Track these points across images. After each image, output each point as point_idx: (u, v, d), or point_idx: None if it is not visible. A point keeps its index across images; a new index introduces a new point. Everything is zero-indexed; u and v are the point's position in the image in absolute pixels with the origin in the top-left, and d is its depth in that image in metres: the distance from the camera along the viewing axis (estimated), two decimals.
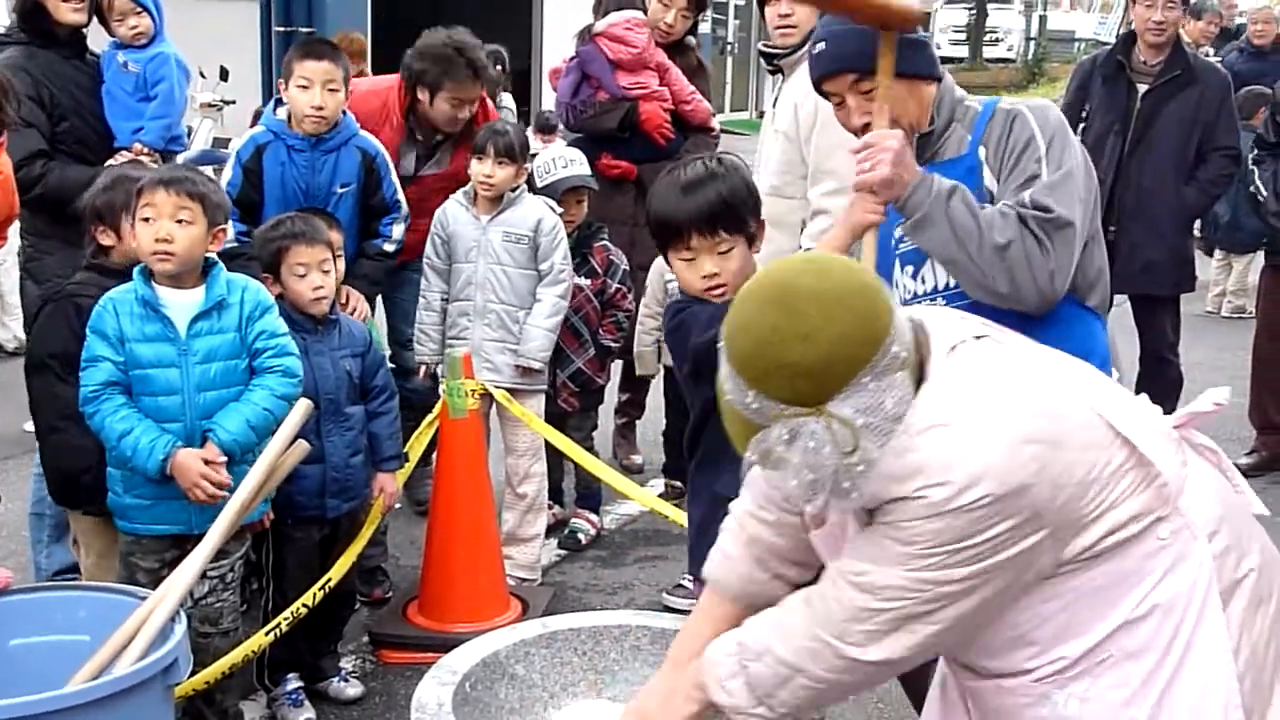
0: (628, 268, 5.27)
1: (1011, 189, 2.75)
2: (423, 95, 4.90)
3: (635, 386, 6.10)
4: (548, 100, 7.72)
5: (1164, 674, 1.97)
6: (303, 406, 3.29)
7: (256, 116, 6.59)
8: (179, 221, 3.32)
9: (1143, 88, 5.83)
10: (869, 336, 1.86)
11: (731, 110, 25.12)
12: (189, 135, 8.11)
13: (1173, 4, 5.78)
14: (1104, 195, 4.91)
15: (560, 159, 5.21)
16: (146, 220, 3.33)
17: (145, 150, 4.43)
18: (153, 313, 3.34)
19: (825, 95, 2.96)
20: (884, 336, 1.87)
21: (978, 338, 2.01)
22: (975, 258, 2.67)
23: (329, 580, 3.82)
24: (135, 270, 3.38)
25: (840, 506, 1.94)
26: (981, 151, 2.83)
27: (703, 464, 3.08)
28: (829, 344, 1.84)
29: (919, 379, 1.94)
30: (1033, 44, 32.56)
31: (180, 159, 5.00)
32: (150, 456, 3.28)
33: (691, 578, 3.49)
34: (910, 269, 2.92)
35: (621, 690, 2.60)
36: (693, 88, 5.96)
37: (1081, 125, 5.84)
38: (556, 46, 5.95)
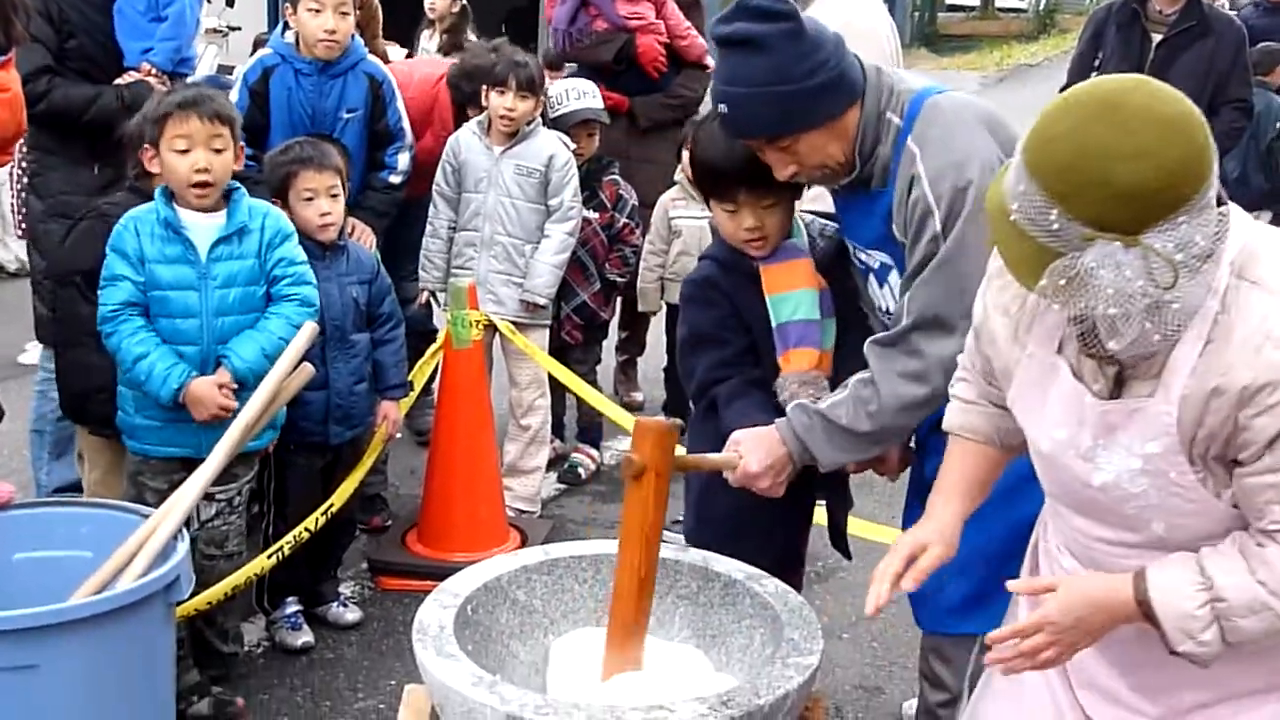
0: (636, 202, 5.25)
1: (909, 268, 2.61)
2: (473, 112, 4.90)
3: (635, 323, 6.10)
4: None
5: None
6: (308, 329, 3.29)
7: (257, 44, 6.54)
8: (215, 150, 3.31)
9: (1157, 37, 5.80)
10: (1199, 170, 1.72)
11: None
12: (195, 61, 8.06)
13: None
14: None
15: (573, 90, 5.17)
16: (182, 151, 3.30)
17: (153, 71, 4.39)
18: (174, 234, 3.32)
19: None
20: (1208, 175, 1.73)
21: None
22: (881, 440, 2.67)
23: (331, 506, 3.83)
24: (157, 190, 3.35)
25: (1138, 350, 1.80)
26: (894, 195, 2.61)
27: (711, 410, 3.05)
28: (1158, 170, 1.69)
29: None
30: None
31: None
32: (165, 384, 3.27)
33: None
34: (875, 281, 2.84)
35: None
36: (688, 22, 5.92)
37: (1094, 73, 5.79)
38: None
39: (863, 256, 2.79)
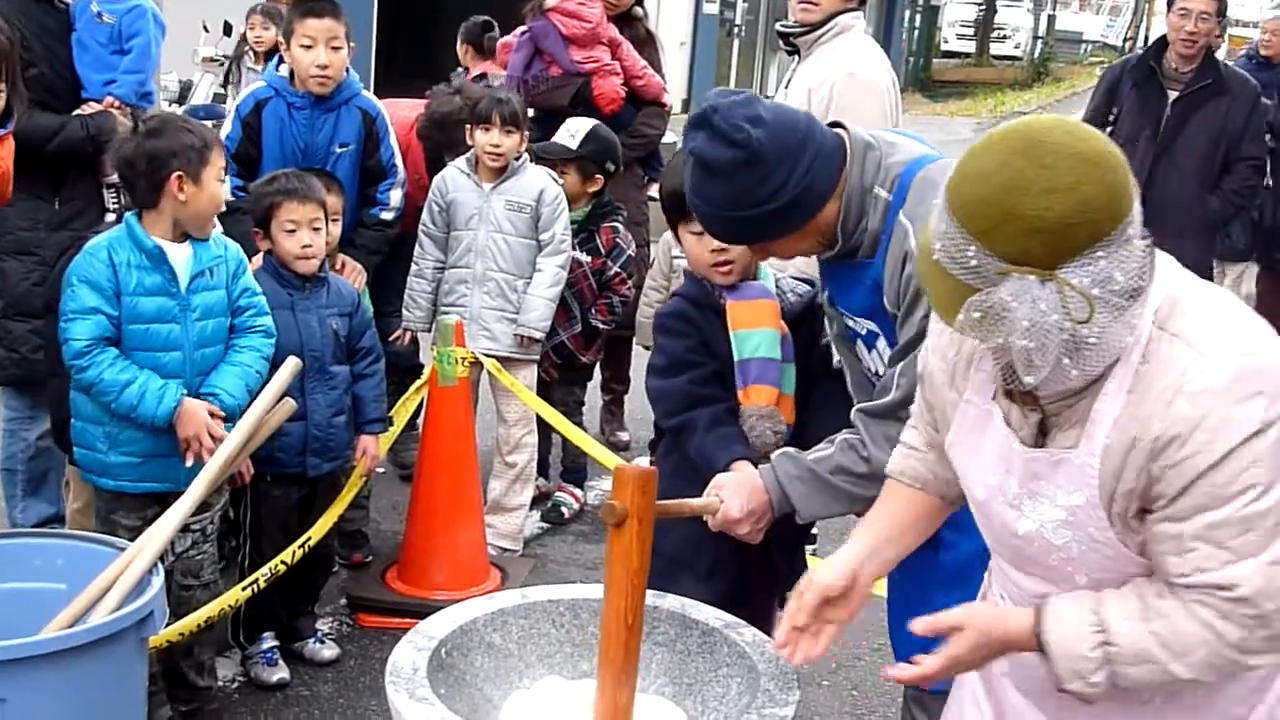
0: (633, 253, 5.24)
1: (899, 345, 2.60)
2: (449, 158, 4.92)
3: (617, 363, 6.09)
4: None
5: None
6: (291, 364, 3.28)
7: (229, 73, 6.57)
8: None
9: (1173, 94, 5.84)
10: (1113, 207, 1.72)
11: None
12: (191, 90, 8.05)
13: (1206, 15, 5.80)
14: None
15: (570, 129, 5.19)
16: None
17: (117, 104, 4.36)
18: (158, 265, 3.31)
19: None
20: (1126, 213, 1.73)
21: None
22: (862, 496, 2.60)
23: (308, 539, 3.81)
24: (128, 216, 3.33)
25: (1055, 385, 1.80)
26: (885, 269, 2.58)
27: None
28: (1076, 204, 1.70)
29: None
30: (1040, 43, 32.47)
31: (180, 111, 4.94)
32: (161, 404, 3.25)
33: None
34: (863, 346, 2.82)
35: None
36: (644, 62, 5.95)
37: (1109, 129, 5.82)
38: None
39: (849, 322, 2.77)
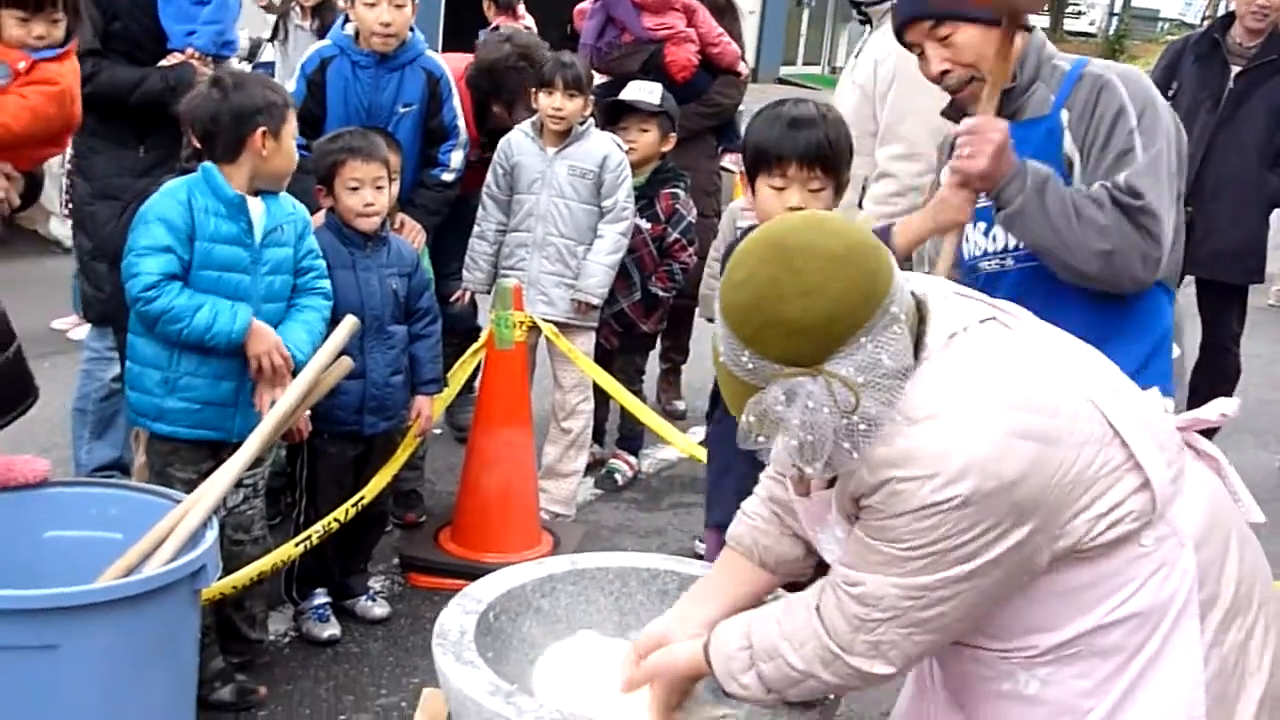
0: (694, 220, 5.20)
1: (1103, 166, 2.66)
2: (499, 108, 4.89)
3: (678, 332, 6.06)
4: None
5: (1128, 675, 1.94)
6: (350, 322, 3.28)
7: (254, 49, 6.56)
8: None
9: (1236, 69, 5.71)
10: (869, 295, 1.81)
11: (804, 63, 24.87)
12: (260, 48, 8.05)
13: None
14: (1190, 171, 4.81)
15: (638, 87, 5.18)
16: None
17: (197, 55, 4.39)
18: (237, 215, 3.35)
19: (908, 47, 2.90)
20: (883, 295, 1.81)
21: (982, 321, 1.95)
22: (1069, 246, 2.61)
23: (361, 498, 3.83)
24: (206, 166, 3.35)
25: (838, 469, 1.87)
26: (1064, 115, 2.73)
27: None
28: (829, 301, 1.79)
29: (915, 350, 1.89)
30: (1115, 19, 31.96)
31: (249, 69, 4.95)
32: (236, 321, 3.30)
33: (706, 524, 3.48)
34: (982, 225, 2.86)
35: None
36: (720, 29, 5.88)
37: (1170, 103, 5.70)
38: None
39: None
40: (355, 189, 3.77)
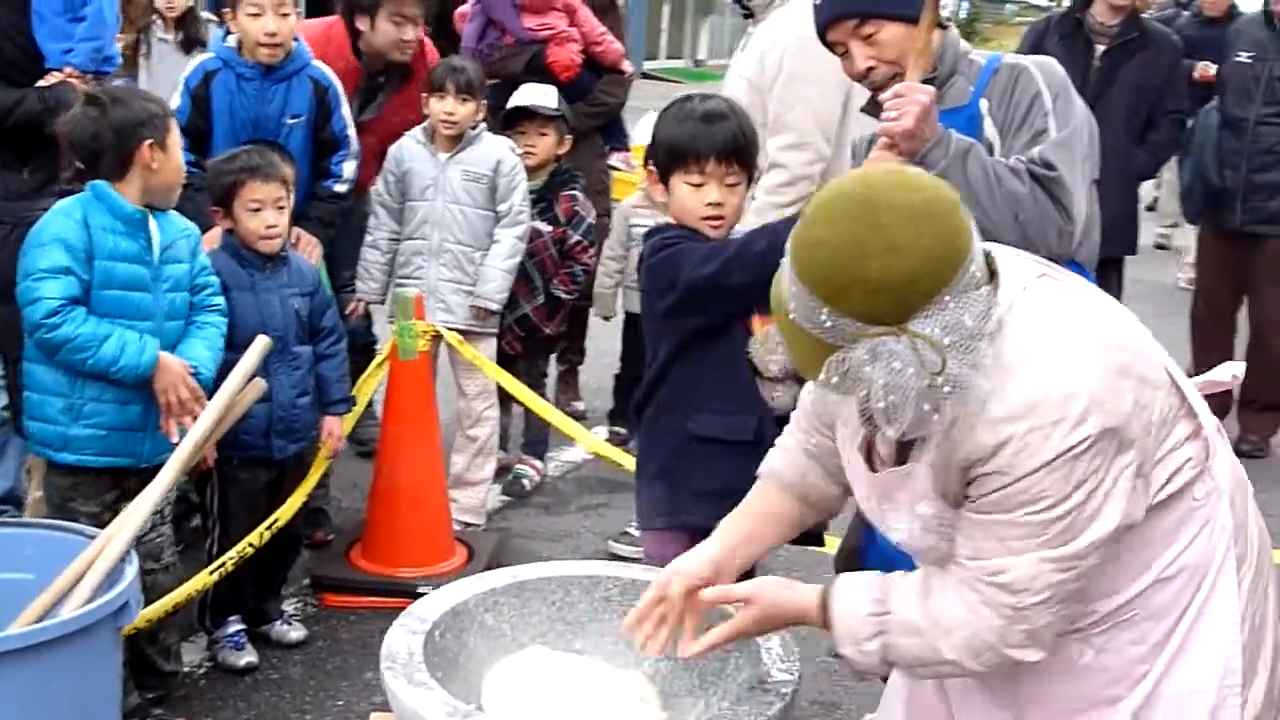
0: (594, 221, 5.18)
1: (1020, 143, 2.76)
2: (363, 24, 4.79)
3: (574, 333, 6.04)
4: None
5: (1179, 634, 1.96)
6: (261, 344, 3.20)
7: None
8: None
9: (1100, 48, 5.85)
10: (952, 254, 1.77)
11: (667, 57, 24.98)
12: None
13: None
14: None
15: (530, 91, 5.15)
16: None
17: (75, 73, 4.24)
18: (137, 232, 3.25)
19: (830, 47, 2.94)
20: (965, 254, 1.79)
21: (1039, 276, 1.95)
22: (989, 214, 2.65)
23: (275, 521, 3.74)
24: (96, 184, 3.23)
25: (917, 433, 1.83)
26: (984, 104, 2.82)
27: (670, 405, 3.04)
28: (914, 260, 1.74)
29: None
30: (967, 4, 32.68)
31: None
32: (143, 354, 3.19)
33: (639, 527, 3.46)
34: None
35: (591, 642, 2.55)
36: (603, 28, 5.87)
37: None
38: None
39: None
40: (256, 210, 3.67)
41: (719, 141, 2.93)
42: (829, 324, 1.79)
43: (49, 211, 3.25)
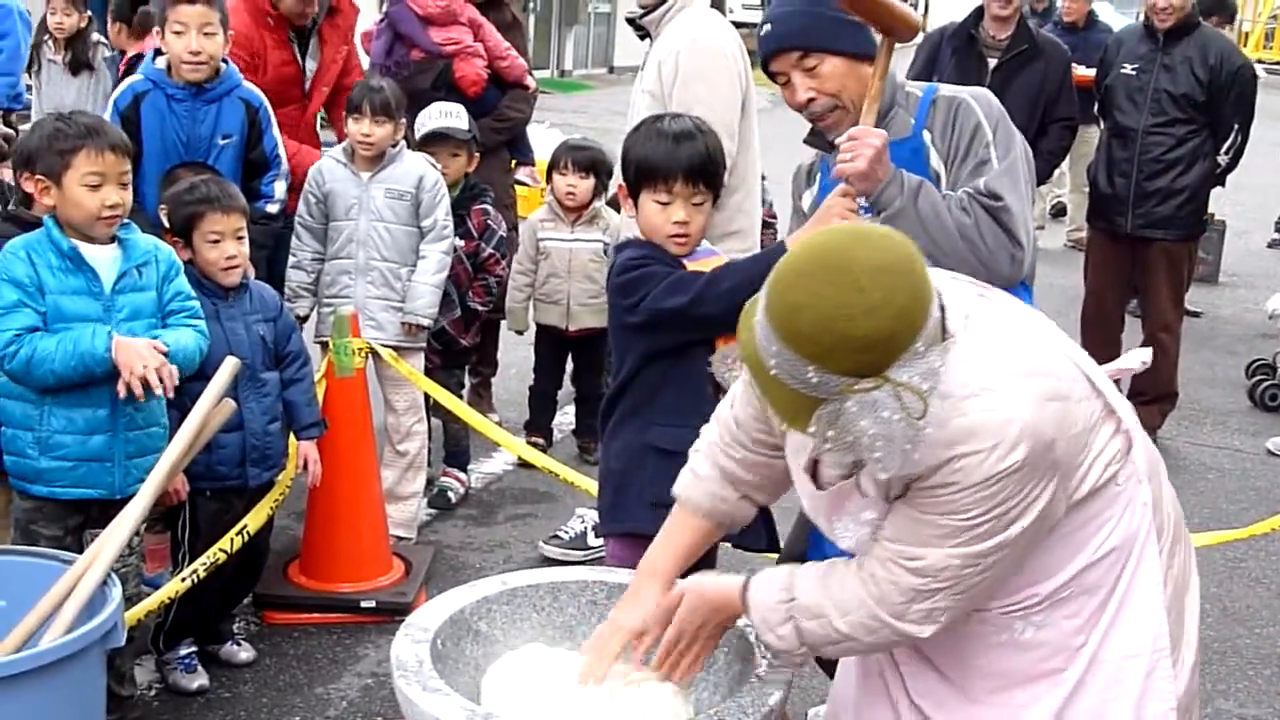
0: (505, 234, 5.26)
1: (965, 174, 2.89)
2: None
3: (486, 345, 6.10)
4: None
5: (1111, 607, 2.15)
6: (231, 364, 3.23)
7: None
8: (122, 185, 3.29)
9: (992, 61, 6.10)
10: (922, 305, 1.90)
11: (533, 68, 24.98)
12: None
13: None
14: None
15: (439, 112, 5.19)
16: (94, 187, 3.21)
17: None
18: (77, 266, 3.23)
19: (772, 77, 3.04)
20: (930, 303, 1.92)
21: (979, 297, 2.12)
22: (943, 248, 2.79)
23: (245, 526, 3.74)
24: (46, 220, 3.24)
25: (908, 470, 1.95)
26: (926, 135, 2.95)
27: (631, 416, 3.16)
28: (892, 317, 1.86)
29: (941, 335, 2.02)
30: None
31: None
32: (95, 336, 3.18)
33: (599, 532, 3.57)
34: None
35: (580, 645, 2.64)
36: (508, 44, 5.96)
37: None
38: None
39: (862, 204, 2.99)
40: (216, 242, 3.66)
41: (686, 161, 3.04)
42: (815, 380, 1.88)
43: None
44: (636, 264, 3.06)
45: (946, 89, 3.02)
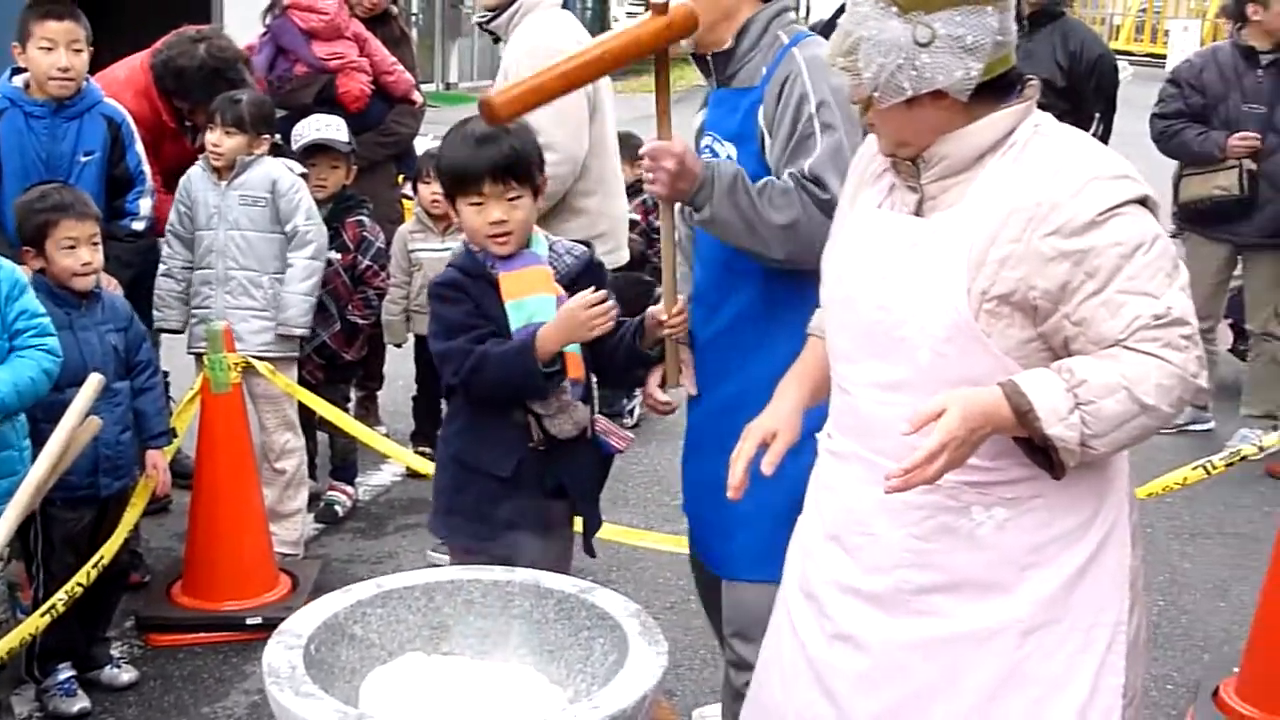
0: (382, 245, 5.22)
1: (788, 150, 2.85)
2: (181, 104, 4.83)
3: (371, 358, 6.05)
4: None
5: (1076, 556, 2.21)
6: (94, 380, 3.19)
7: None
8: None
9: None
10: None
11: (420, 81, 24.84)
12: None
13: None
14: None
15: (317, 123, 5.16)
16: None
17: None
18: None
19: None
20: None
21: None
22: (759, 236, 2.82)
23: (101, 558, 3.69)
24: None
25: (888, 99, 2.11)
26: (766, 90, 2.90)
27: (448, 429, 3.26)
28: None
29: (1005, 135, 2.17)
30: None
31: None
32: None
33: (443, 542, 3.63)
34: None
35: (457, 644, 2.64)
36: (394, 59, 5.95)
37: None
38: (240, 27, 5.80)
39: (716, 147, 3.02)
40: (71, 248, 3.62)
41: (489, 162, 3.01)
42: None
43: None
44: (438, 293, 3.12)
45: (808, 45, 2.91)
